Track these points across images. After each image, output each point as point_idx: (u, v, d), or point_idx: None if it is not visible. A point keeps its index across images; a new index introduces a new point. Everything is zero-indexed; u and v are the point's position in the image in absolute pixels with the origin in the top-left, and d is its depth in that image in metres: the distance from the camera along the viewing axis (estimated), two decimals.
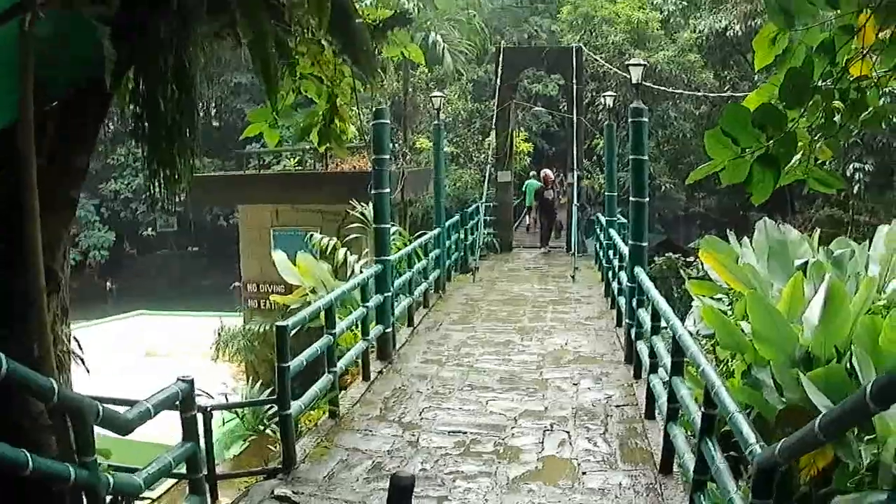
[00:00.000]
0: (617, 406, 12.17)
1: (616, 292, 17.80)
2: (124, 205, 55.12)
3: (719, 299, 12.61)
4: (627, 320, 14.37)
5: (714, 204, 40.36)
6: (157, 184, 5.72)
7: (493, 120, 31.51)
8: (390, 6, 8.92)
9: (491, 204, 30.83)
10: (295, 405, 10.05)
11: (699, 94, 30.28)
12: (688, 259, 25.20)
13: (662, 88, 32.25)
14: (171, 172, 5.74)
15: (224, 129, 55.49)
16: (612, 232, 20.46)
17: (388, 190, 14.80)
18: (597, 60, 35.21)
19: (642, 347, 12.75)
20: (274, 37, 6.34)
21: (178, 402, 6.87)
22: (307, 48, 7.29)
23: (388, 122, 15.06)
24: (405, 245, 19.46)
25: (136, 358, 31.94)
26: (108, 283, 55.72)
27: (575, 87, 30.52)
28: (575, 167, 29.12)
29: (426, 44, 31.16)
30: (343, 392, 12.75)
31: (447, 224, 23.18)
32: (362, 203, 21.46)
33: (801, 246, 12.66)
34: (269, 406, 13.79)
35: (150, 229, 56.88)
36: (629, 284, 14.08)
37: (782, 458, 5.27)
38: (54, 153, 5.70)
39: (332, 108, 8.20)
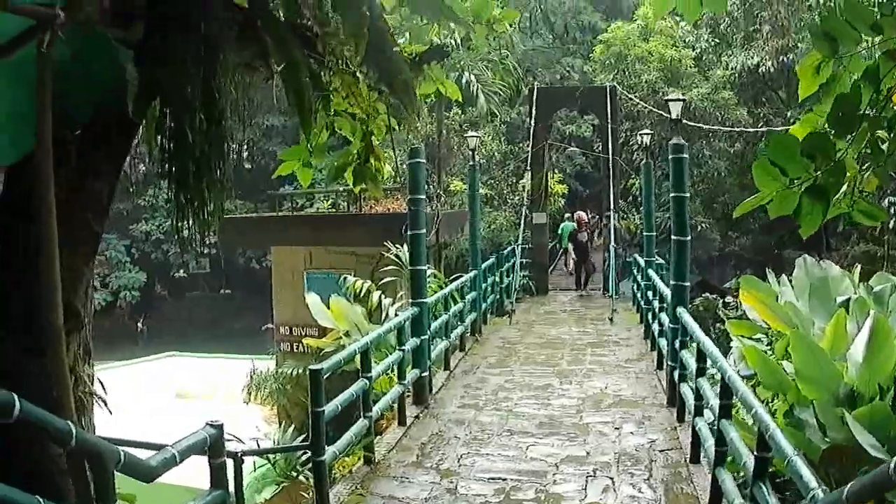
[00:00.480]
0: (661, 450, 11.81)
1: (656, 334, 17.51)
2: (155, 246, 55.25)
3: (758, 339, 12.55)
4: (670, 362, 13.99)
5: (749, 243, 39.81)
6: (184, 220, 5.42)
7: (528, 161, 31.35)
8: (424, 42, 8.56)
9: (526, 246, 30.54)
10: (329, 451, 9.73)
11: (735, 129, 29.92)
12: (725, 299, 24.86)
13: (699, 125, 31.96)
14: (199, 208, 5.44)
15: (256, 171, 55.51)
16: (652, 272, 20.11)
17: (424, 231, 14.53)
18: (631, 99, 34.98)
19: (686, 390, 12.39)
20: (307, 67, 6.09)
21: (206, 448, 6.58)
22: (341, 80, 7.02)
23: (424, 161, 14.81)
24: (440, 288, 19.21)
25: (167, 399, 31.95)
26: (140, 325, 55.75)
27: (610, 126, 30.30)
28: (612, 208, 28.78)
29: (460, 84, 30.93)
30: (378, 437, 12.44)
31: (483, 266, 22.92)
32: (397, 245, 21.25)
33: (842, 282, 12.43)
34: (301, 451, 13.46)
35: (181, 271, 56.92)
36: (671, 325, 13.69)
37: (850, 502, 4.93)
38: (76, 184, 5.44)
39: (367, 147, 8.02)
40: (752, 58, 36.59)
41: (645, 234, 22.08)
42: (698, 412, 10.84)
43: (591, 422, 13.36)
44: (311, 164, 8.25)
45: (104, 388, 6.37)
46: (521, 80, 39.30)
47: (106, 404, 6.33)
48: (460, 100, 11.89)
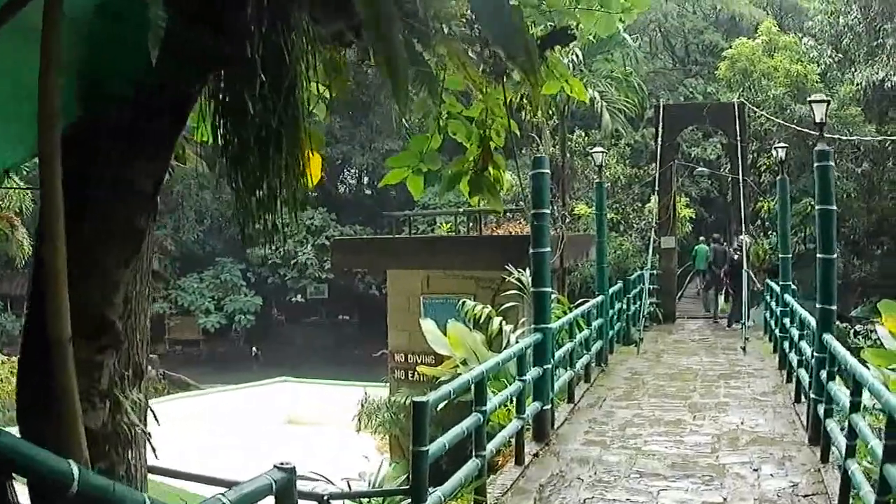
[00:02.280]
0: (804, 496, 10.71)
1: (794, 364, 16.36)
2: (272, 270, 55.59)
3: None
4: (813, 395, 12.81)
5: (874, 269, 38.00)
6: (242, 210, 4.70)
7: (655, 182, 30.21)
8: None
9: (653, 272, 29.44)
10: (433, 496, 8.80)
11: (874, 138, 28.44)
12: (854, 328, 23.59)
13: (838, 137, 30.57)
14: (260, 196, 4.69)
15: (377, 197, 55.36)
16: (788, 297, 18.96)
17: (548, 249, 13.65)
18: (759, 115, 33.76)
19: (833, 427, 11.31)
20: (400, 25, 5.10)
21: (272, 494, 5.52)
22: (447, 48, 6.19)
23: (549, 171, 13.85)
24: (564, 314, 18.25)
25: (277, 425, 31.69)
26: (254, 349, 55.72)
27: (739, 144, 29.01)
28: (743, 230, 27.52)
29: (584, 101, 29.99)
30: (492, 477, 11.59)
31: (610, 291, 22.02)
32: (519, 269, 20.28)
33: None
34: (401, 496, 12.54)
35: (298, 296, 56.90)
36: (817, 354, 12.58)
37: None
38: (114, 172, 4.46)
39: (485, 153, 7.34)
40: (878, 73, 35.54)
41: (780, 256, 20.93)
42: (850, 453, 9.76)
43: (727, 462, 12.29)
44: (421, 171, 7.48)
45: (156, 418, 5.37)
46: (646, 98, 38.21)
47: (149, 438, 5.26)
48: (586, 101, 11.05)
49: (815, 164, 12.80)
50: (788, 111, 33.30)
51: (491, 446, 10.90)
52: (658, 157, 30.08)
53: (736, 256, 27.57)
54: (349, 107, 49.45)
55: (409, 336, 25.45)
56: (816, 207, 12.89)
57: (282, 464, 5.60)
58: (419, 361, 24.01)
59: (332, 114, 50.58)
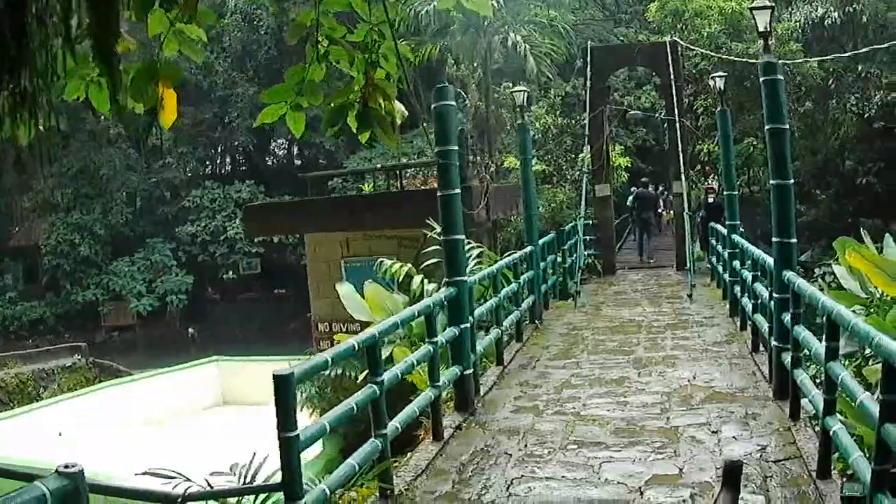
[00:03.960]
0: (776, 461, 8.98)
1: (750, 310, 14.65)
2: (202, 248, 53.75)
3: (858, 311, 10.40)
4: (776, 342, 11.11)
5: (821, 213, 36.49)
6: None
7: (586, 128, 28.42)
8: None
9: (590, 222, 27.83)
10: (315, 492, 7.10)
11: (829, 58, 26.67)
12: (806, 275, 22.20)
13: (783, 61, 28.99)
14: None
15: (307, 166, 53.55)
16: (738, 238, 17.33)
17: (457, 191, 11.63)
18: (695, 53, 32.29)
19: (804, 379, 9.70)
20: None
21: None
22: None
23: (453, 103, 11.85)
24: None
25: (207, 408, 31.02)
26: (190, 330, 53.85)
27: (674, 84, 27.39)
28: (682, 173, 25.90)
29: (505, 46, 28.39)
30: (404, 458, 9.90)
31: (541, 242, 20.32)
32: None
33: None
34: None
35: (230, 272, 55.14)
36: (777, 296, 10.84)
37: None
38: None
39: (370, 81, 6.14)
40: (816, 10, 34.13)
41: (726, 193, 19.16)
42: (829, 409, 8.14)
43: (680, 424, 10.54)
44: (301, 106, 6.28)
45: None
46: (574, 44, 36.51)
47: None
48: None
49: (763, 79, 11.22)
50: (724, 50, 31.61)
51: (395, 423, 8.99)
52: (588, 101, 28.54)
53: (711, 200, 25.71)
54: (273, 74, 47.69)
55: (331, 304, 23.73)
56: (766, 127, 11.21)
57: (66, 466, 3.77)
58: (343, 330, 22.44)
59: (256, 83, 49.49)
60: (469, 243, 17.42)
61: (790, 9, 35.08)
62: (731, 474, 3.77)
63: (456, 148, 11.84)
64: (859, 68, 33.43)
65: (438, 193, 11.71)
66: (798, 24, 34.08)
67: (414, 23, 31.01)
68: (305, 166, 55.38)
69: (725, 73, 20.95)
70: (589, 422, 10.89)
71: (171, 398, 30.15)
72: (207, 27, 5.77)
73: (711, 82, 21.03)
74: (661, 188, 40.55)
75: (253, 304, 56.89)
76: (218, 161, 59.83)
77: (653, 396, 11.99)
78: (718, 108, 19.75)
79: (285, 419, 6.67)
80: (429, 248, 18.31)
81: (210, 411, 30.56)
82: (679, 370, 13.51)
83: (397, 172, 27.58)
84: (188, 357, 40.54)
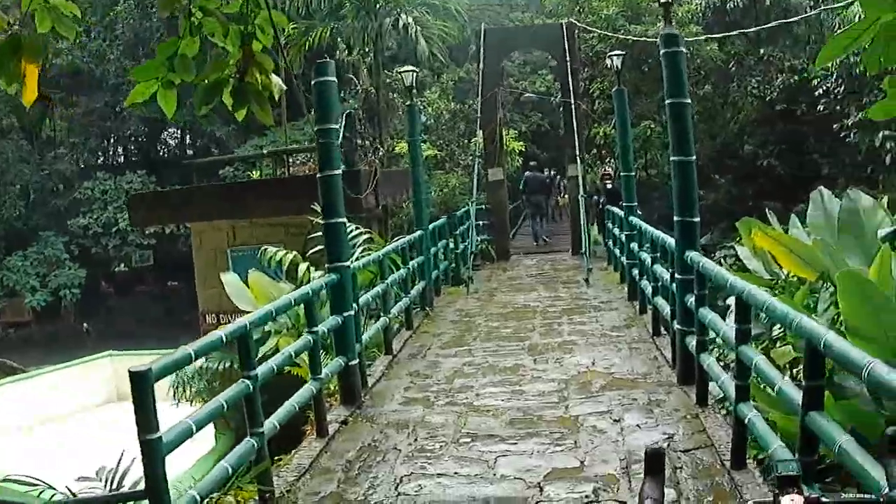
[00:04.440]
0: (685, 451, 8.41)
1: (650, 292, 14.13)
2: (95, 240, 52.02)
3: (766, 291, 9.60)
4: (679, 325, 10.56)
5: (720, 197, 36.40)
6: None
7: (478, 111, 27.76)
8: None
9: (483, 207, 27.19)
10: (183, 501, 6.31)
11: (732, 34, 26.28)
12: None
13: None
14: None
15: (201, 154, 52.33)
16: (636, 220, 16.79)
17: (337, 172, 10.88)
18: (591, 36, 31.91)
19: (711, 363, 9.16)
20: None
21: None
22: None
23: (334, 79, 11.02)
24: None
25: (102, 402, 29.92)
26: (85, 325, 52.44)
27: (569, 66, 26.92)
28: (578, 155, 25.40)
29: (396, 27, 27.62)
30: (287, 457, 9.05)
31: (432, 227, 19.62)
32: None
33: (875, 214, 10.41)
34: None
35: (122, 265, 53.72)
36: (680, 277, 10.25)
37: None
38: None
39: (247, 55, 5.87)
40: None
41: (622, 174, 18.52)
42: (742, 395, 7.62)
43: (580, 414, 9.89)
44: (173, 84, 5.93)
45: None
46: (467, 27, 35.85)
47: None
48: None
49: (664, 51, 10.61)
50: (622, 31, 31.16)
51: (273, 421, 8.18)
52: (481, 84, 27.87)
53: (609, 186, 25.10)
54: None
55: (218, 295, 22.74)
56: (667, 101, 10.68)
57: None
58: (231, 321, 21.51)
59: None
60: (357, 229, 16.75)
61: None
62: (654, 462, 3.27)
63: (336, 127, 11.17)
64: (761, 51, 33.23)
65: (318, 175, 11.00)
66: (699, 7, 33.81)
67: (304, 6, 30.18)
68: (197, 155, 54.22)
69: (623, 52, 20.36)
70: (483, 413, 10.21)
71: (65, 395, 29.76)
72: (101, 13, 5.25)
73: (608, 61, 20.39)
74: (553, 172, 40.17)
75: (147, 297, 55.80)
76: (111, 151, 58.08)
77: (550, 384, 11.34)
78: (615, 88, 19.15)
79: (145, 420, 5.90)
80: (315, 235, 17.51)
81: (105, 407, 29.84)
82: (577, 356, 12.89)
83: (284, 158, 26.64)
84: (84, 353, 39.75)
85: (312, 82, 10.94)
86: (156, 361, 6.29)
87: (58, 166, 50.72)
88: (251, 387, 7.57)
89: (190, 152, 58.60)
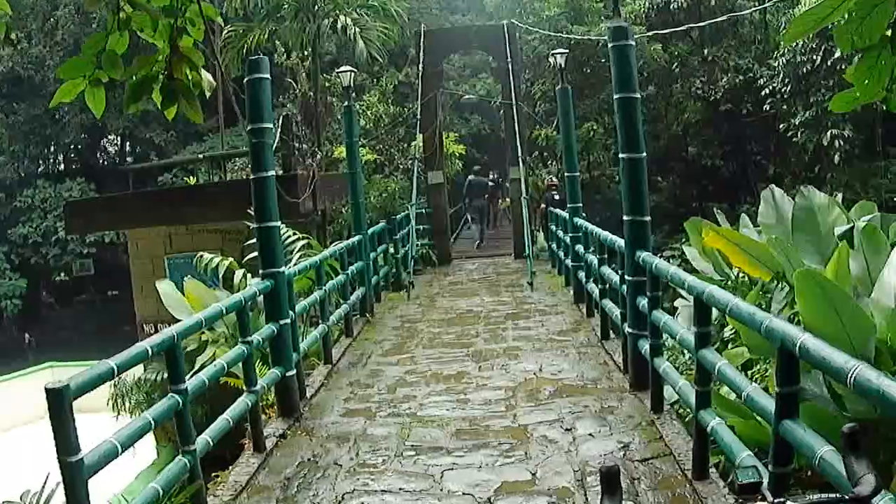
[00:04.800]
0: (643, 460, 8.02)
1: (598, 295, 13.66)
2: (34, 250, 51.31)
3: None
4: (631, 329, 10.14)
5: (664, 199, 36.24)
6: None
7: (418, 111, 27.24)
8: None
9: (423, 210, 26.71)
10: None
11: (678, 29, 25.94)
12: None
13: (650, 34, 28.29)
14: None
15: (138, 163, 51.55)
16: (581, 221, 16.35)
17: (271, 174, 10.33)
18: (532, 37, 31.76)
19: (666, 368, 8.76)
20: None
21: None
22: None
23: (268, 77, 10.46)
24: None
25: (37, 419, 28.93)
26: (27, 336, 51.55)
27: (511, 67, 26.48)
28: (519, 158, 25.04)
29: (335, 28, 27.03)
30: (223, 474, 8.50)
31: (371, 232, 19.21)
32: None
33: (831, 212, 10.22)
34: None
35: (62, 274, 52.66)
36: (630, 278, 9.85)
37: None
38: None
39: (176, 51, 5.71)
40: None
41: (566, 175, 17.94)
42: (702, 402, 7.21)
43: (529, 423, 9.44)
44: (101, 81, 5.71)
45: None
46: (406, 28, 35.33)
47: None
48: None
49: (612, 45, 10.20)
50: (564, 32, 30.83)
51: (206, 437, 7.66)
52: (420, 86, 27.43)
53: (556, 196, 24.57)
54: None
55: (156, 304, 22.08)
56: (616, 96, 10.26)
57: None
58: None
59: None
60: (294, 234, 16.29)
61: None
62: (609, 480, 3.10)
63: (270, 126, 10.60)
64: (705, 52, 33.18)
65: (251, 177, 10.43)
66: (642, 7, 33.59)
67: (242, 7, 29.53)
68: (137, 163, 53.47)
69: (566, 51, 19.89)
70: (427, 423, 9.73)
71: (5, 407, 28.59)
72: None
73: (551, 60, 19.87)
74: (496, 175, 39.83)
75: (88, 306, 55.09)
76: (51, 160, 57.05)
77: (496, 392, 10.88)
78: (559, 87, 18.64)
79: (64, 441, 5.45)
80: (252, 241, 16.94)
81: (46, 421, 29.00)
82: (523, 362, 12.44)
83: (222, 163, 26.03)
84: (26, 364, 39.34)
85: (245, 79, 10.37)
86: (75, 377, 5.82)
87: None
88: (181, 402, 7.04)
89: (129, 160, 57.86)
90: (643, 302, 9.49)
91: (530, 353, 13.07)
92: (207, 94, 6.25)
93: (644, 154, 10.02)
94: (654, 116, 34.55)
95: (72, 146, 55.51)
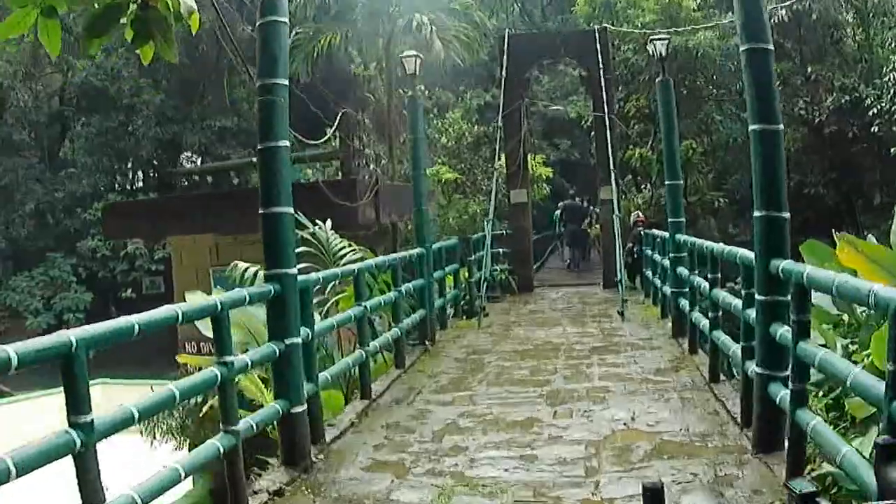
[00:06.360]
0: None
1: (706, 326, 10.95)
2: (102, 264, 50.12)
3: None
4: (760, 369, 7.44)
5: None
6: None
7: (500, 120, 24.66)
8: None
9: (503, 232, 24.27)
10: None
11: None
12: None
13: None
14: None
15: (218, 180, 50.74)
16: (685, 237, 13.87)
17: (285, 143, 7.96)
18: (626, 49, 29.79)
19: (817, 426, 6.17)
20: None
21: None
22: None
23: (285, 21, 8.05)
24: (379, 283, 13.40)
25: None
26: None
27: (603, 76, 23.90)
28: (612, 174, 22.56)
29: (409, 27, 24.84)
30: None
31: (437, 247, 16.72)
32: (317, 221, 14.58)
33: None
34: None
35: (130, 290, 51.30)
36: (763, 298, 7.28)
37: None
38: None
39: None
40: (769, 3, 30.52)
41: (668, 183, 15.15)
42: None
43: (617, 497, 6.81)
44: (55, 12, 4.85)
45: None
46: (489, 35, 33.08)
47: None
48: None
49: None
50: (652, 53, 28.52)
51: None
52: (503, 93, 24.85)
53: (642, 231, 22.33)
54: (183, 82, 46.89)
55: None
56: (742, 48, 7.90)
57: None
58: (211, 351, 18.93)
59: (164, 90, 46.69)
60: (349, 245, 13.75)
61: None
62: (652, 499, 2.86)
63: (286, 83, 8.05)
64: (808, 70, 30.81)
65: (258, 146, 8.03)
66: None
67: (312, 6, 27.64)
68: (214, 179, 52.43)
69: (668, 38, 17.34)
70: (475, 489, 7.16)
71: (50, 422, 27.06)
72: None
73: (650, 47, 17.27)
74: (585, 203, 37.64)
75: None
76: (128, 175, 56.37)
77: (574, 448, 8.23)
78: (660, 79, 15.98)
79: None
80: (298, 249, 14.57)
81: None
82: (611, 408, 9.75)
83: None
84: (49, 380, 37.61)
85: (257, 23, 8.00)
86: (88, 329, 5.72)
87: (71, 187, 49.04)
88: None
89: (209, 178, 56.96)
90: (780, 330, 6.89)
91: (620, 396, 10.40)
92: (193, 29, 5.36)
93: (781, 126, 7.49)
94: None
95: (149, 161, 54.57)
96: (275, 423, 7.77)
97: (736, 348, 8.96)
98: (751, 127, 7.55)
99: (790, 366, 6.58)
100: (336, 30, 27.07)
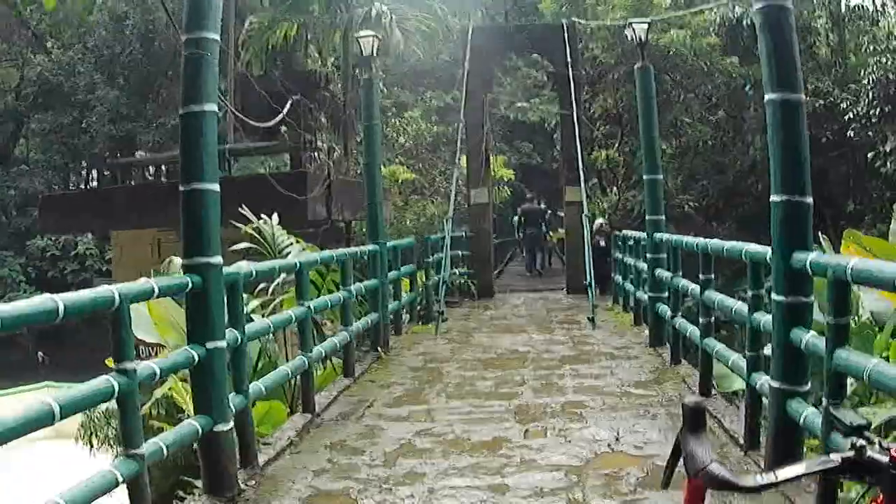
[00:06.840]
0: None
1: (696, 334, 9.68)
2: (52, 264, 49.89)
3: None
4: (775, 382, 6.31)
5: (733, 232, 32.58)
6: None
7: (462, 115, 23.50)
8: None
9: (463, 234, 23.24)
10: None
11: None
12: None
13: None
14: None
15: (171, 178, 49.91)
16: (666, 235, 12.85)
17: (212, 108, 6.70)
18: (592, 46, 28.99)
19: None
20: None
21: None
22: None
23: None
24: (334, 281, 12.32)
25: (43, 437, 26.13)
26: (40, 354, 49.68)
27: (570, 72, 22.77)
28: (581, 179, 21.70)
29: (369, 17, 23.74)
30: None
31: (392, 245, 15.46)
32: (263, 216, 13.24)
33: None
34: None
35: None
36: (784, 299, 6.11)
37: None
38: None
39: None
40: (734, 10, 30.10)
41: (646, 178, 13.97)
42: None
43: None
44: None
45: None
46: (451, 28, 32.05)
47: None
48: None
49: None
50: (631, 39, 27.47)
51: None
52: (465, 87, 23.59)
53: (602, 244, 21.60)
54: (139, 78, 46.59)
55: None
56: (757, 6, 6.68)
57: None
58: (151, 354, 17.96)
59: (119, 87, 45.76)
60: (299, 243, 12.69)
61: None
62: (694, 416, 2.59)
63: (216, 37, 6.77)
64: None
65: (181, 110, 6.77)
66: (714, 22, 30.57)
67: None
68: (171, 178, 51.53)
69: (647, 20, 16.22)
70: None
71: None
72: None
73: (628, 33, 16.02)
74: (545, 207, 36.81)
75: (106, 326, 53.25)
76: (82, 172, 55.75)
77: (552, 476, 6.92)
78: (638, 65, 14.77)
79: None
80: (238, 247, 13.15)
81: (42, 444, 26.24)
82: (591, 427, 8.46)
83: (227, 163, 22.61)
84: (36, 382, 36.83)
85: None
86: None
87: (23, 184, 48.56)
88: None
89: (164, 179, 56.15)
90: (805, 337, 5.72)
91: (599, 412, 9.11)
92: None
93: (803, 96, 6.49)
94: (724, 146, 31.25)
95: (104, 158, 53.77)
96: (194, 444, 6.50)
97: (737, 358, 7.76)
98: (768, 96, 6.41)
99: (824, 379, 5.38)
100: (292, 20, 26.01)
